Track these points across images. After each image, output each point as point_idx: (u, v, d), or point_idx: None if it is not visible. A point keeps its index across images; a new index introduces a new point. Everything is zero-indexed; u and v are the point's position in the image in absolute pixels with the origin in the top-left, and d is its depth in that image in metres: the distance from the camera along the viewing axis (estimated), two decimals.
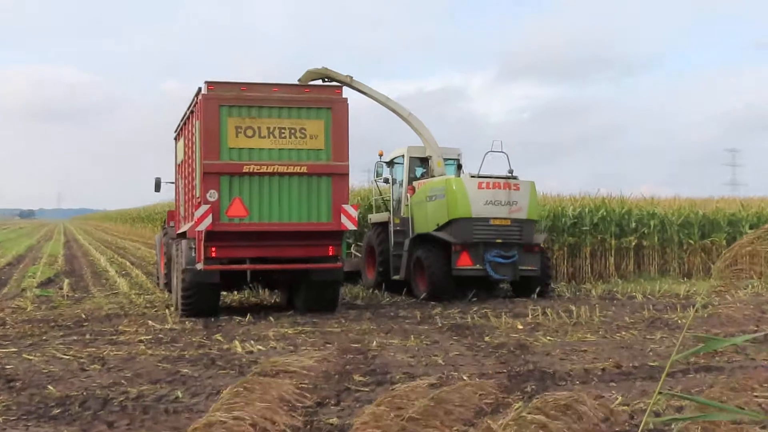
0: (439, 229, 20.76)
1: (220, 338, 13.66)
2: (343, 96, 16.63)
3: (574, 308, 17.54)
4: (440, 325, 15.43)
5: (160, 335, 14.04)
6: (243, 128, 16.04)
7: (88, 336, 13.96)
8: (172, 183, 21.45)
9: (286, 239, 16.33)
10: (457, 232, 20.30)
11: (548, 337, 13.67)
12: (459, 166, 22.62)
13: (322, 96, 16.56)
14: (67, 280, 25.85)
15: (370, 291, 21.79)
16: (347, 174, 16.63)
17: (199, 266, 16.28)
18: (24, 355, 11.91)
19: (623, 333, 14.30)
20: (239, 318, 16.47)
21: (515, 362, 11.28)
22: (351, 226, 16.47)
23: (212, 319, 16.26)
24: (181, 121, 19.07)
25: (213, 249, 16.16)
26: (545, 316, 16.42)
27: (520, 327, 15.00)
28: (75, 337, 13.80)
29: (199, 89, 16.41)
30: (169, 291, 20.53)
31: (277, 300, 19.96)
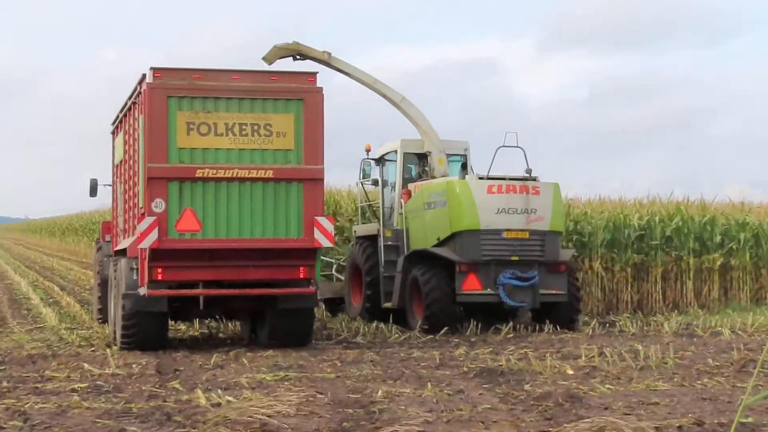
0: (440, 244, 21.04)
1: (177, 386, 13.65)
2: (318, 85, 17.15)
3: (640, 347, 17.51)
4: (466, 369, 15.42)
5: (100, 382, 14.03)
6: (196, 124, 16.56)
7: (5, 383, 13.94)
8: (111, 185, 21.70)
9: (248, 259, 16.88)
10: (463, 249, 20.60)
11: (607, 386, 13.64)
12: (464, 166, 22.83)
13: (292, 85, 17.06)
14: None
15: (374, 325, 21.78)
16: (322, 179, 17.23)
17: (142, 291, 16.74)
18: None
19: (706, 380, 14.27)
20: (202, 360, 16.48)
21: (564, 418, 11.27)
22: (326, 243, 17.08)
23: (166, 361, 16.29)
24: (121, 111, 19.32)
25: (159, 270, 16.62)
26: (603, 358, 16.41)
27: (571, 372, 14.98)
28: None
29: (143, 76, 16.80)
30: (104, 321, 21.15)
31: (252, 337, 19.97)
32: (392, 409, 11.92)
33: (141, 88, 17.00)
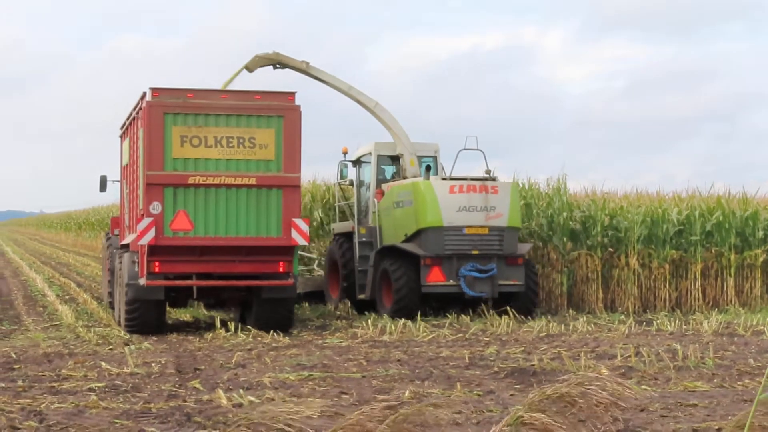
0: (408, 240, 23.51)
1: (198, 386, 13.73)
2: (296, 103, 20.11)
3: (678, 347, 17.49)
4: (496, 369, 15.45)
5: (118, 382, 14.12)
6: (189, 137, 19.59)
7: (20, 383, 14.05)
8: (119, 182, 24.57)
9: (234, 254, 19.96)
10: (427, 244, 23.08)
11: (644, 386, 13.64)
12: (428, 168, 24.85)
13: (273, 103, 20.05)
14: None
15: (401, 323, 21.80)
16: (299, 186, 20.47)
17: (142, 281, 19.85)
18: None
19: (746, 381, 14.25)
20: (224, 358, 16.56)
21: (599, 420, 11.27)
22: (302, 242, 20.07)
23: (187, 359, 16.37)
24: (127, 119, 22.29)
25: (156, 264, 19.70)
26: (639, 358, 16.40)
27: (606, 372, 14.95)
28: (3, 384, 13.89)
29: (144, 94, 19.86)
30: (112, 308, 24.06)
31: (275, 335, 20.05)
32: (420, 411, 11.94)
33: (142, 104, 19.92)
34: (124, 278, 20.64)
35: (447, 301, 23.83)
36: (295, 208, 20.11)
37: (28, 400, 12.57)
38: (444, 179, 23.51)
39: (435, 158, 25.68)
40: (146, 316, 20.35)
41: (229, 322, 21.21)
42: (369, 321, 22.03)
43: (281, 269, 20.15)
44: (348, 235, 25.58)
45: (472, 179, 23.52)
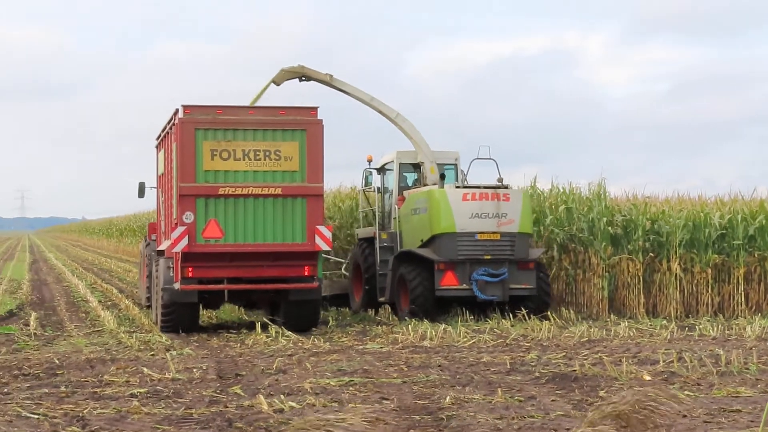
0: (424, 245, 24.51)
1: (239, 391, 13.77)
2: (318, 117, 21.51)
3: (722, 352, 17.37)
4: (538, 374, 15.41)
5: (159, 387, 14.19)
6: (218, 151, 21.04)
7: (63, 388, 14.14)
8: (156, 188, 25.96)
9: (262, 260, 21.31)
10: (441, 249, 24.06)
11: (686, 392, 13.56)
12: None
13: (297, 118, 21.42)
14: (34, 314, 26.23)
15: (441, 327, 21.79)
16: (322, 195, 21.80)
17: (177, 285, 21.23)
18: None
19: None
20: (264, 364, 16.60)
21: (641, 427, 11.21)
22: (325, 247, 21.47)
23: (228, 365, 16.42)
24: (162, 132, 23.74)
25: (190, 269, 21.14)
26: (682, 363, 16.30)
27: (648, 378, 14.90)
28: (46, 390, 13.99)
29: (177, 110, 21.37)
30: (149, 307, 25.53)
31: (315, 341, 20.10)
32: (461, 416, 11.93)
33: (175, 120, 21.37)
34: (160, 282, 22.13)
35: (456, 303, 24.93)
36: (319, 215, 21.43)
37: (70, 406, 12.65)
38: (458, 187, 24.59)
39: (455, 165, 26.65)
40: (181, 318, 21.87)
41: (270, 327, 21.30)
42: (409, 326, 22.03)
43: (306, 273, 21.50)
44: (370, 240, 26.54)
45: (485, 187, 24.53)
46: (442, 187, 24.70)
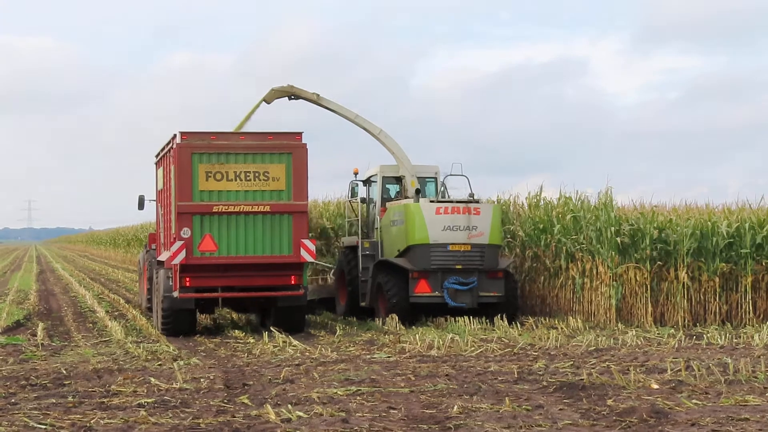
0: (400, 255, 26.33)
1: (246, 401, 13.78)
2: (303, 142, 23.72)
3: (729, 361, 17.36)
4: (545, 383, 15.39)
5: (167, 397, 14.20)
6: (213, 173, 23.14)
7: (70, 398, 14.16)
8: (155, 201, 27.95)
9: (253, 270, 23.47)
10: (415, 259, 25.91)
11: (694, 401, 13.55)
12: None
13: (283, 142, 23.62)
14: (41, 324, 26.26)
15: (449, 337, 21.80)
16: (306, 212, 23.84)
17: (176, 294, 23.34)
18: None
19: None
20: (272, 374, 16.60)
21: None
22: (309, 259, 23.56)
23: (235, 375, 16.43)
24: (161, 151, 25.88)
25: (187, 279, 23.28)
26: (690, 371, 16.28)
27: (656, 386, 14.89)
28: (53, 400, 14.01)
29: (175, 136, 23.48)
30: (150, 312, 27.60)
31: (323, 350, 20.11)
32: (469, 425, 11.93)
33: (173, 144, 23.47)
34: (161, 291, 24.31)
35: (428, 310, 26.50)
36: (303, 230, 23.56)
37: (78, 416, 12.67)
38: (432, 201, 26.36)
39: (435, 179, 28.57)
40: (180, 322, 24.00)
41: (277, 337, 21.31)
42: (417, 336, 22.03)
43: (293, 282, 23.76)
44: (354, 248, 28.29)
45: (457, 201, 26.38)
46: (418, 201, 26.38)
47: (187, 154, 23.04)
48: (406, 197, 27.25)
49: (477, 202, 26.54)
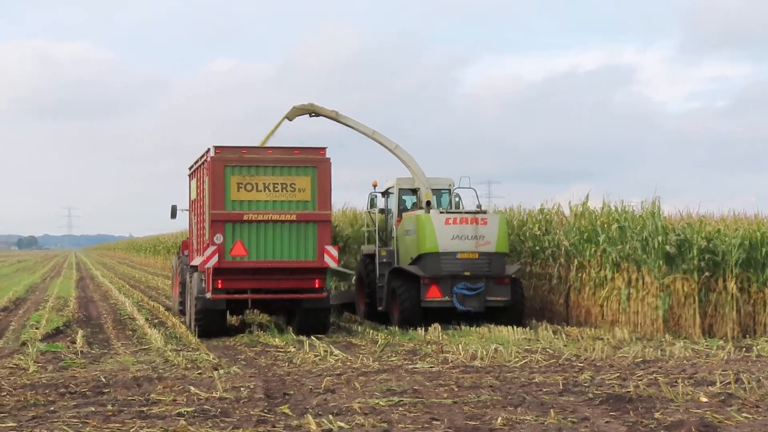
0: (413, 262, 28.34)
1: (287, 411, 13.75)
2: (327, 156, 25.88)
3: None
4: (591, 395, 15.28)
5: (207, 406, 14.20)
6: (243, 184, 25.32)
7: (109, 407, 14.19)
8: (188, 210, 30.66)
9: (279, 274, 25.67)
10: (426, 266, 27.95)
11: (744, 414, 13.41)
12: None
13: (309, 156, 25.81)
14: (81, 331, 26.42)
15: (492, 347, 21.72)
16: (329, 221, 26.42)
17: (209, 295, 25.52)
18: None
19: None
20: (313, 383, 16.57)
21: None
22: (333, 264, 25.71)
23: (275, 384, 16.41)
24: (195, 164, 28.50)
25: (219, 282, 25.45)
26: (740, 384, 16.12)
27: (705, 399, 14.74)
28: (92, 409, 14.05)
29: (208, 150, 25.69)
30: (183, 314, 29.93)
31: (364, 360, 20.07)
32: None
33: (207, 157, 25.70)
34: (194, 292, 26.30)
35: (438, 314, 28.08)
36: (327, 237, 25.74)
37: (117, 425, 12.69)
38: (441, 212, 28.38)
39: (449, 191, 30.63)
40: (212, 322, 25.97)
41: (318, 346, 21.27)
42: (459, 346, 21.94)
43: (317, 285, 25.89)
44: (372, 256, 30.38)
45: (465, 212, 28.52)
46: (428, 212, 28.37)
47: (221, 167, 25.21)
48: (421, 208, 29.21)
49: (484, 213, 28.63)
